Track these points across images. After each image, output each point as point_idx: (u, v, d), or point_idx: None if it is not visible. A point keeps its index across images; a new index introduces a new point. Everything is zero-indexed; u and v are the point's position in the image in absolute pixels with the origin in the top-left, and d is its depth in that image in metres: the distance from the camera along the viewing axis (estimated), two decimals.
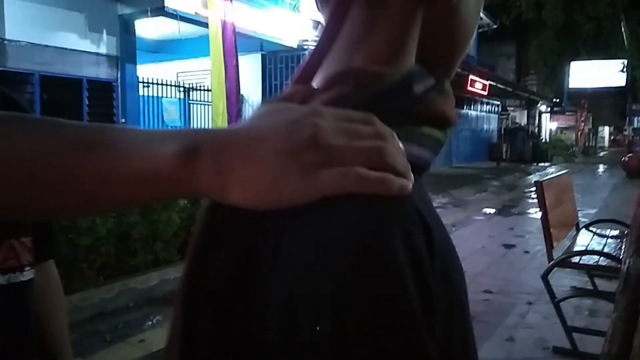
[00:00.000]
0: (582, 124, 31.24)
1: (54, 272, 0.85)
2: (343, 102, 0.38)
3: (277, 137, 0.33)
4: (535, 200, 3.37)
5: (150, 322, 3.40)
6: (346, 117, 0.35)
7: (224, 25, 6.45)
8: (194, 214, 4.44)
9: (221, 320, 0.36)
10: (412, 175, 0.35)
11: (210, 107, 9.51)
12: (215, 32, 6.39)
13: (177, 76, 11.16)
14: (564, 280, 4.04)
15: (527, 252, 5.58)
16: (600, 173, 18.18)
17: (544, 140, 26.22)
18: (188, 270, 0.40)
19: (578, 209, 4.42)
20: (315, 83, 0.43)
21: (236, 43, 6.63)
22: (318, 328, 0.30)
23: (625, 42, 17.44)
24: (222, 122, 6.62)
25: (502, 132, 23.65)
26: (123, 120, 8.40)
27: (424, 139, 0.40)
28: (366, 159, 0.33)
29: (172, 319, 0.42)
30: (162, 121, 9.72)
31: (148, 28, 9.10)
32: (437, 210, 0.41)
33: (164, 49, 10.98)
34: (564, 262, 3.17)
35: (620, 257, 2.80)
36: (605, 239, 3.74)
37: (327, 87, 0.40)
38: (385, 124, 0.36)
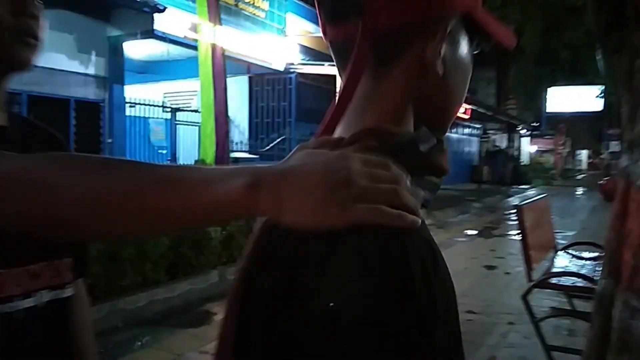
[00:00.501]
0: (561, 148, 31.94)
1: (83, 290, 0.93)
2: (367, 152, 0.49)
3: (319, 176, 0.44)
4: (516, 223, 3.51)
5: (139, 343, 3.43)
6: (369, 161, 0.46)
7: (213, 48, 6.59)
8: (182, 235, 4.49)
9: (269, 325, 0.46)
10: (420, 212, 0.46)
11: (196, 128, 9.62)
12: (204, 56, 6.53)
13: (164, 97, 11.23)
14: (543, 301, 4.17)
15: (508, 273, 5.72)
16: (579, 196, 18.56)
17: (523, 163, 26.69)
18: (240, 281, 0.50)
19: (557, 231, 4.58)
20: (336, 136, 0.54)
21: (225, 66, 6.77)
22: (356, 327, 0.41)
23: (601, 69, 18.01)
24: (210, 143, 6.72)
25: (483, 154, 24.06)
26: (110, 141, 8.42)
27: (427, 184, 0.51)
28: (386, 198, 0.44)
29: (223, 324, 0.52)
30: (149, 141, 9.76)
31: (136, 49, 9.20)
32: None
33: (151, 70, 11.07)
34: (543, 284, 3.30)
35: (596, 278, 2.93)
36: (583, 261, 3.89)
37: (352, 141, 0.51)
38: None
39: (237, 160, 7.63)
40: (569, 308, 3.79)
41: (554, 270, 3.58)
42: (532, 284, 3.22)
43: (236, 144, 10.73)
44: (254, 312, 0.48)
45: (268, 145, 10.61)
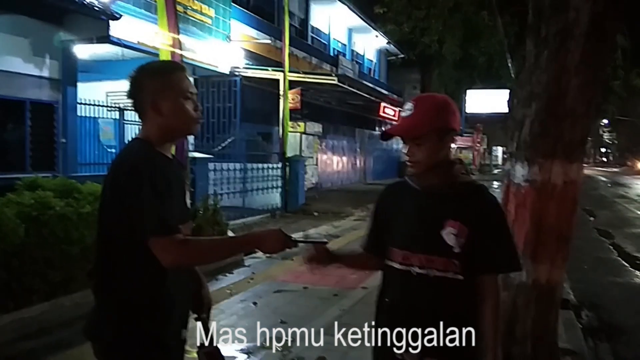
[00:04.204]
0: (478, 145, 34.46)
1: None
2: None
3: None
4: None
5: None
6: None
7: (172, 56, 7.18)
8: None
9: None
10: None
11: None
12: None
13: (107, 96, 11.44)
14: None
15: None
16: (494, 189, 20.45)
17: None
18: None
19: None
20: None
21: None
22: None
23: (512, 74, 19.76)
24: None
25: None
26: (64, 141, 8.73)
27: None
28: None
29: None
30: (99, 141, 10.08)
31: (79, 49, 9.39)
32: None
33: (93, 69, 11.28)
34: None
35: None
36: None
37: None
38: None
39: (194, 159, 8.23)
40: None
41: None
42: None
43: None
44: None
45: (217, 144, 11.22)
